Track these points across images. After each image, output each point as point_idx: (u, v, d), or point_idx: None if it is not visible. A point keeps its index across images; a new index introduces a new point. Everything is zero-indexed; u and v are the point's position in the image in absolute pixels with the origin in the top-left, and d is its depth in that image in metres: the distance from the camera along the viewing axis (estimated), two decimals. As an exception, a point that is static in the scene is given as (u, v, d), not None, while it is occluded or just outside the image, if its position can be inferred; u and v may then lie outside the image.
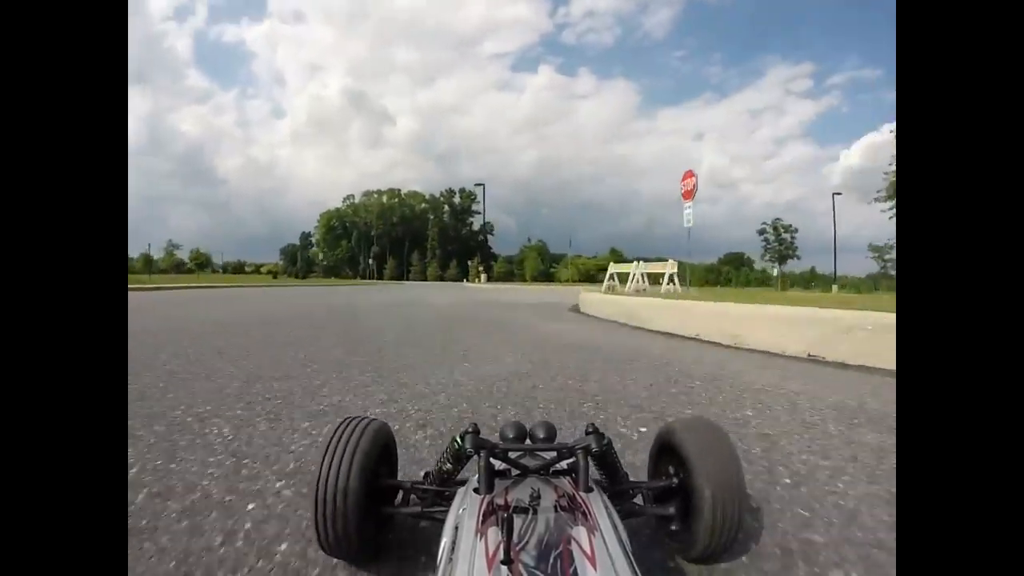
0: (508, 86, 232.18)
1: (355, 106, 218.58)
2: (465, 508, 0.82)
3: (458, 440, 0.96)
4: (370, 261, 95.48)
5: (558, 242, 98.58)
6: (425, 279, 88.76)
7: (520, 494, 0.84)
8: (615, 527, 0.76)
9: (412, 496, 1.10)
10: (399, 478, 1.17)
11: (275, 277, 67.33)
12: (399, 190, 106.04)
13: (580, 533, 0.72)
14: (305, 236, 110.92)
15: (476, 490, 0.87)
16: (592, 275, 74.27)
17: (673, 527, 1.07)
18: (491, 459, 0.93)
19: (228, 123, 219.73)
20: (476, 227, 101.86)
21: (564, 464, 1.00)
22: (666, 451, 1.12)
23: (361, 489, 0.95)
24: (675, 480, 1.06)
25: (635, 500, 1.12)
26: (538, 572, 0.64)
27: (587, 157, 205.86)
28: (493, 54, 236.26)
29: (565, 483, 0.92)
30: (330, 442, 0.98)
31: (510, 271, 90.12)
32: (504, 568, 0.63)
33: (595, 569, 0.65)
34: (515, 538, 0.69)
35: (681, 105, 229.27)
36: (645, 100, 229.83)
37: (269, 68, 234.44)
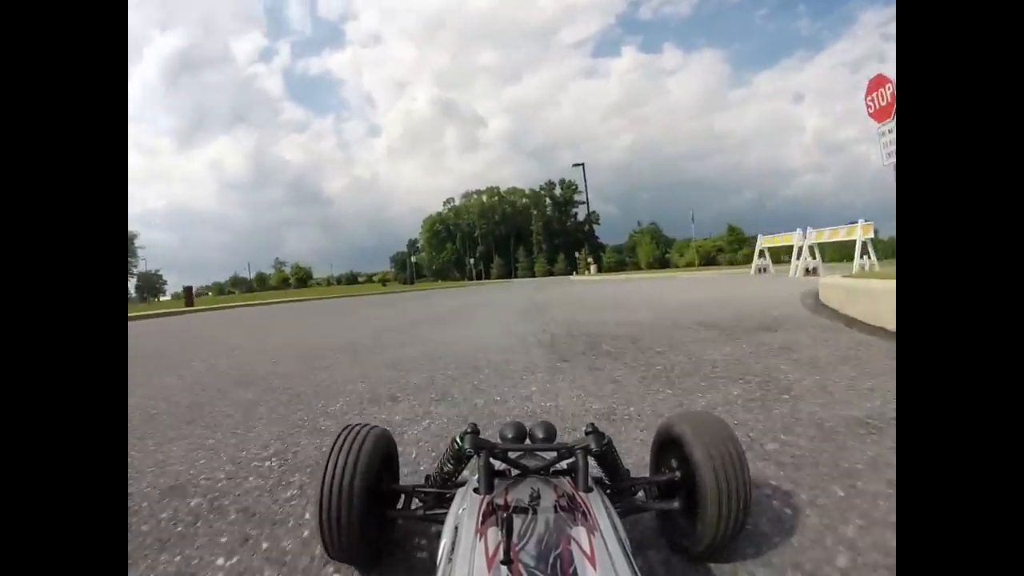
0: (593, 72, 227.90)
1: (446, 114, 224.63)
2: (465, 508, 0.83)
3: (458, 440, 0.98)
4: (471, 261, 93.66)
5: (665, 226, 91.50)
6: (533, 275, 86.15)
7: (520, 494, 0.85)
8: (615, 527, 0.77)
9: (414, 499, 1.13)
10: (401, 483, 1.20)
11: (384, 284, 67.49)
12: (498, 188, 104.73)
13: (580, 533, 0.73)
14: (412, 243, 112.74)
15: (476, 490, 0.88)
16: (712, 257, 67.67)
17: (677, 521, 1.06)
18: (491, 459, 0.94)
19: (329, 147, 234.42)
20: (580, 217, 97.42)
21: (564, 464, 1.00)
22: (668, 445, 1.11)
23: (364, 494, 0.96)
24: (677, 474, 1.05)
25: (637, 497, 1.13)
26: (538, 572, 0.65)
27: (685, 134, 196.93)
28: (573, 43, 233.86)
29: (565, 483, 0.92)
30: (332, 450, 1.00)
31: (620, 260, 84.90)
32: (504, 568, 0.64)
33: (595, 569, 0.66)
34: (515, 538, 0.70)
35: (775, 67, 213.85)
36: (736, 66, 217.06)
37: (358, 91, 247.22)
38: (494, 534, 0.72)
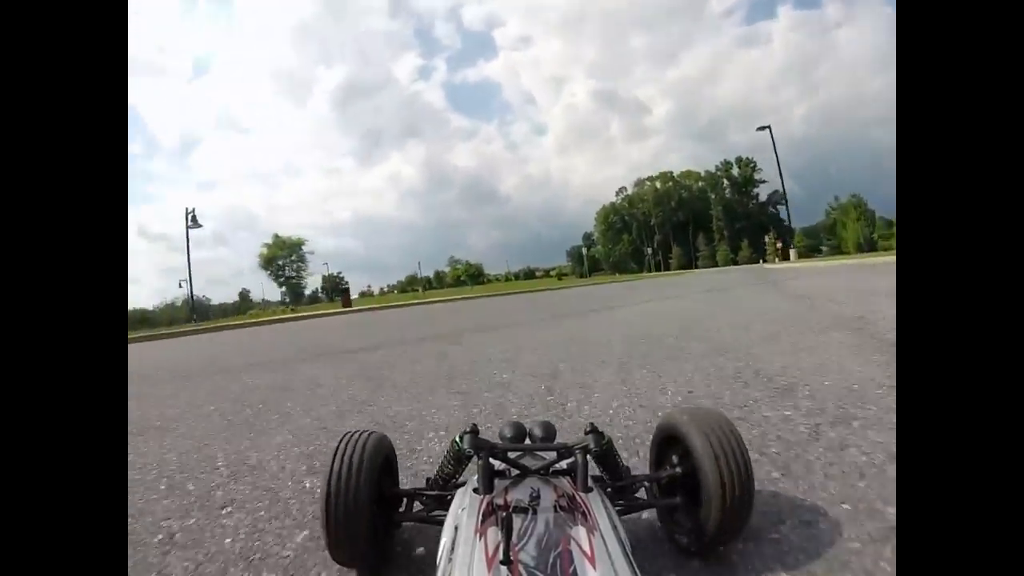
0: (751, 39, 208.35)
1: (607, 105, 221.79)
2: (465, 508, 0.84)
3: (458, 441, 0.99)
4: (649, 251, 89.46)
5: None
6: (715, 264, 79.16)
7: (520, 494, 0.86)
8: (614, 527, 0.77)
9: (416, 502, 1.14)
10: (402, 486, 1.23)
11: (560, 279, 67.03)
12: (671, 172, 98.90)
13: (579, 533, 0.73)
14: (587, 236, 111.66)
15: (476, 490, 0.89)
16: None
17: (679, 518, 1.07)
18: (491, 459, 0.95)
19: (498, 149, 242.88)
20: (763, 198, 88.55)
21: (564, 464, 1.00)
22: (668, 441, 1.11)
23: (367, 499, 0.97)
24: (679, 470, 1.06)
25: (638, 495, 1.13)
26: (537, 572, 0.65)
27: (868, 95, 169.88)
28: (723, 11, 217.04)
29: (565, 483, 0.92)
30: (334, 457, 1.01)
31: (814, 245, 73.73)
32: (503, 568, 0.65)
33: (594, 569, 0.66)
34: (514, 538, 0.71)
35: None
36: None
37: (518, 93, 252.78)
38: (494, 534, 0.72)
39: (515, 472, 0.97)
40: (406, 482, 1.53)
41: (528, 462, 0.98)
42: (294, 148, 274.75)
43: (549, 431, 1.10)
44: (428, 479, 1.12)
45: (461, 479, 1.05)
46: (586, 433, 0.99)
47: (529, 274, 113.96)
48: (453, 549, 0.73)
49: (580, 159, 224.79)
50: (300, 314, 23.50)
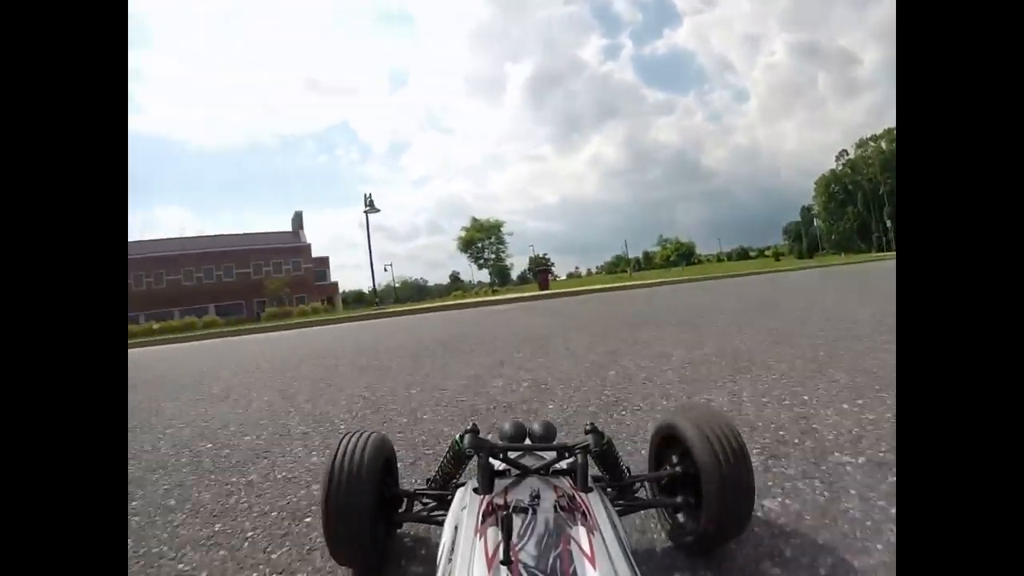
0: None
1: (809, 59, 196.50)
2: (465, 508, 0.84)
3: (457, 440, 0.99)
4: (882, 226, 76.43)
5: None
6: None
7: (520, 494, 0.85)
8: (615, 526, 0.77)
9: (416, 502, 1.15)
10: (402, 486, 1.25)
11: (777, 259, 61.71)
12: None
13: (579, 533, 0.73)
14: (806, 210, 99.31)
15: (476, 490, 0.89)
16: None
17: (680, 518, 1.08)
18: (491, 459, 0.96)
19: (699, 121, 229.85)
20: None
21: (564, 464, 0.99)
22: (668, 441, 1.12)
23: (368, 500, 0.98)
24: (679, 469, 1.06)
25: (638, 495, 1.13)
26: (537, 572, 0.65)
27: None
28: None
29: (565, 483, 0.91)
30: (335, 458, 1.01)
31: None
32: (503, 568, 0.64)
33: (594, 568, 0.66)
34: (514, 538, 0.70)
35: None
36: None
37: (711, 59, 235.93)
38: (494, 534, 0.72)
39: (515, 472, 0.96)
40: (413, 478, 1.61)
41: (528, 462, 0.98)
42: (496, 140, 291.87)
43: (549, 430, 1.10)
44: (428, 479, 1.13)
45: (461, 479, 1.07)
46: (586, 432, 0.99)
47: (742, 254, 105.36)
48: (453, 549, 0.74)
49: (788, 124, 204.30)
50: (468, 299, 22.49)
